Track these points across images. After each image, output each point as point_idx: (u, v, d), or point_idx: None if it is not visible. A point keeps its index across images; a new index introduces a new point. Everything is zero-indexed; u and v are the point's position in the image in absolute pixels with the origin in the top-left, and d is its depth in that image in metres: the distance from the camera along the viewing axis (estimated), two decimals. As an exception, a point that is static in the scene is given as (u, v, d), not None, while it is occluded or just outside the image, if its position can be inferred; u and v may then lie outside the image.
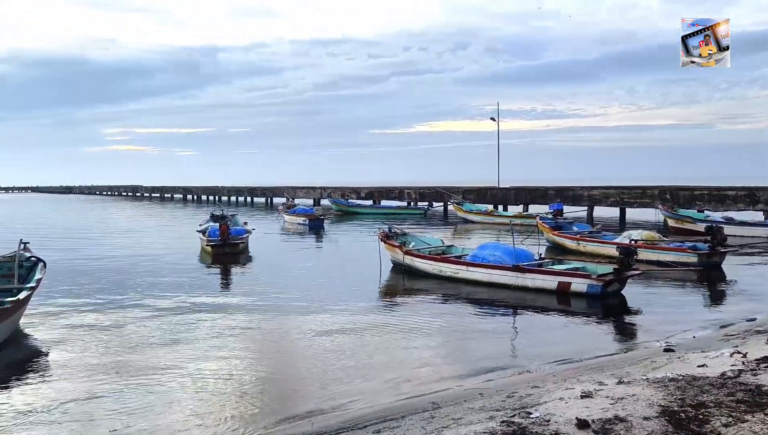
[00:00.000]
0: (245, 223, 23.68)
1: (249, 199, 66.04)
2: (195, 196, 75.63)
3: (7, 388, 7.34)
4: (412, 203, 45.28)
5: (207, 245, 19.69)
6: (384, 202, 47.94)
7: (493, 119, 45.27)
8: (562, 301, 12.42)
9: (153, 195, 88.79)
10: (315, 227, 29.80)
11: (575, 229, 21.57)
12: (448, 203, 40.22)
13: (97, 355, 8.57)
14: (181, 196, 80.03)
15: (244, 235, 20.76)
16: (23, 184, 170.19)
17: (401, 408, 6.28)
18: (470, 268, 14.20)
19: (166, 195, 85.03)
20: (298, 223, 31.60)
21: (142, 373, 7.70)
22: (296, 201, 43.78)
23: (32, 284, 10.33)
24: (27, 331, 9.87)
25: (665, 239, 18.80)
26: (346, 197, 49.31)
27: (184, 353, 8.64)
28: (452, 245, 17.27)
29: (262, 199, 63.09)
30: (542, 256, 15.44)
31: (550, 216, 24.72)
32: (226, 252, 19.11)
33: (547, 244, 20.48)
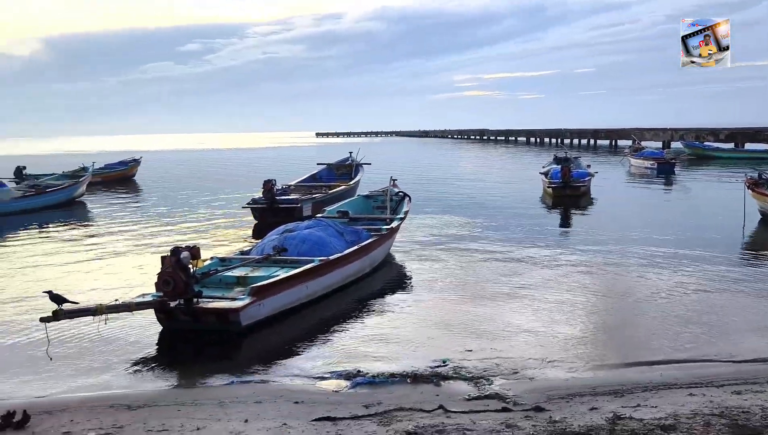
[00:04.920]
0: (588, 166, 23.27)
1: (592, 141, 64.15)
2: (538, 139, 76.28)
3: (383, 302, 8.70)
4: (788, 147, 38.79)
5: (548, 187, 19.92)
6: (749, 146, 42.01)
7: None
8: None
9: (498, 138, 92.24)
10: (664, 172, 27.66)
11: None
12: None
13: (450, 281, 9.57)
14: (525, 139, 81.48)
15: (586, 178, 20.42)
16: (387, 129, 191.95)
17: (765, 371, 5.70)
18: None
19: (510, 138, 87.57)
20: (645, 167, 29.77)
21: (489, 302, 8.35)
22: (643, 144, 41.13)
23: (401, 215, 11.91)
24: (397, 256, 11.45)
25: None
26: (702, 140, 44.46)
27: (525, 288, 9.03)
28: (844, 197, 14.43)
29: (606, 142, 60.72)
30: None
31: None
32: (567, 194, 19.10)
33: None
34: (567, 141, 67.15)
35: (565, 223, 15.90)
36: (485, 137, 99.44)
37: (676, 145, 46.00)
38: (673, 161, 29.44)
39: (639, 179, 27.20)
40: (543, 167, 23.77)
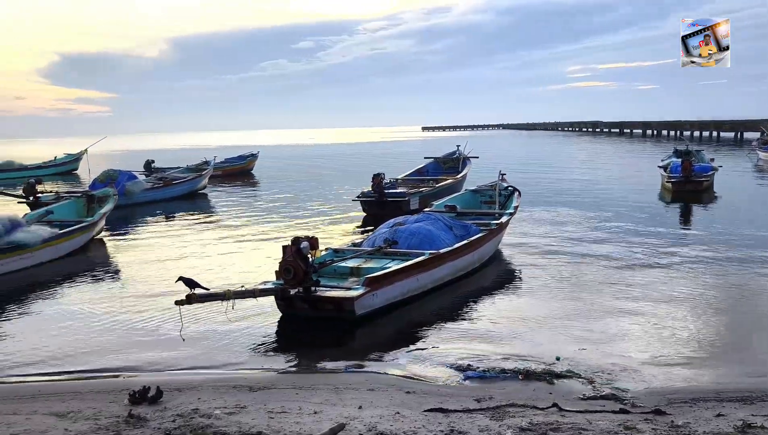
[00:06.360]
0: (711, 160, 21.96)
1: (714, 134, 60.18)
2: (654, 132, 72.48)
3: (492, 297, 8.66)
4: None
5: (667, 182, 18.99)
6: None
7: None
8: None
9: (612, 130, 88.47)
10: (798, 166, 25.63)
11: None
12: None
13: (561, 278, 9.37)
14: (640, 131, 77.61)
15: (710, 173, 19.27)
16: (493, 122, 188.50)
17: None
18: None
19: (624, 130, 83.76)
20: (776, 161, 27.74)
21: (603, 301, 8.13)
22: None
23: (510, 211, 11.76)
24: (506, 251, 11.33)
25: None
26: None
27: (641, 287, 8.70)
28: None
29: (731, 135, 56.88)
30: None
31: None
32: (688, 189, 18.12)
33: None
34: (687, 133, 63.34)
35: (686, 219, 15.11)
36: (598, 129, 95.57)
37: (812, 136, 42.33)
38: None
39: (769, 174, 25.34)
40: (662, 161, 22.64)
